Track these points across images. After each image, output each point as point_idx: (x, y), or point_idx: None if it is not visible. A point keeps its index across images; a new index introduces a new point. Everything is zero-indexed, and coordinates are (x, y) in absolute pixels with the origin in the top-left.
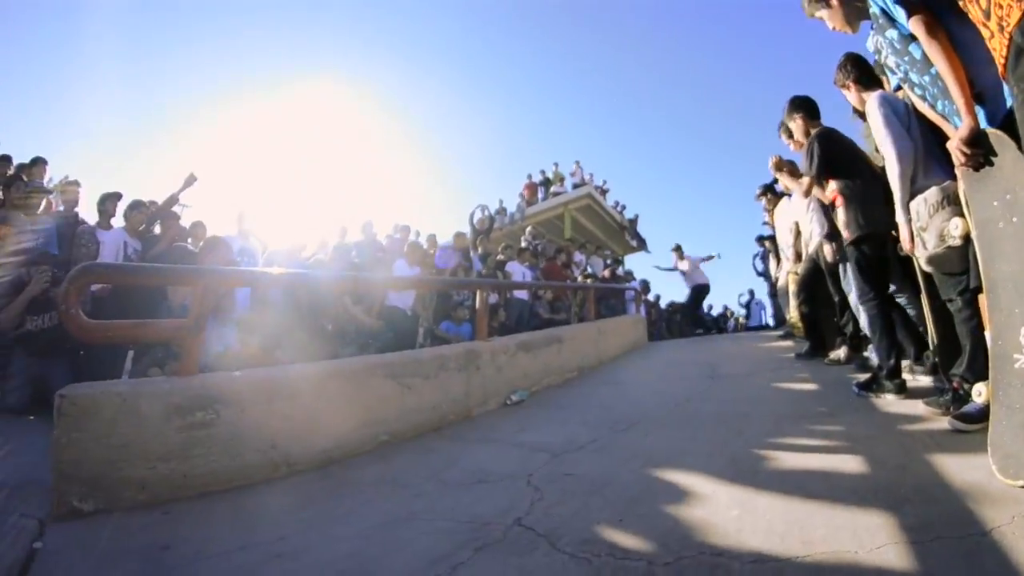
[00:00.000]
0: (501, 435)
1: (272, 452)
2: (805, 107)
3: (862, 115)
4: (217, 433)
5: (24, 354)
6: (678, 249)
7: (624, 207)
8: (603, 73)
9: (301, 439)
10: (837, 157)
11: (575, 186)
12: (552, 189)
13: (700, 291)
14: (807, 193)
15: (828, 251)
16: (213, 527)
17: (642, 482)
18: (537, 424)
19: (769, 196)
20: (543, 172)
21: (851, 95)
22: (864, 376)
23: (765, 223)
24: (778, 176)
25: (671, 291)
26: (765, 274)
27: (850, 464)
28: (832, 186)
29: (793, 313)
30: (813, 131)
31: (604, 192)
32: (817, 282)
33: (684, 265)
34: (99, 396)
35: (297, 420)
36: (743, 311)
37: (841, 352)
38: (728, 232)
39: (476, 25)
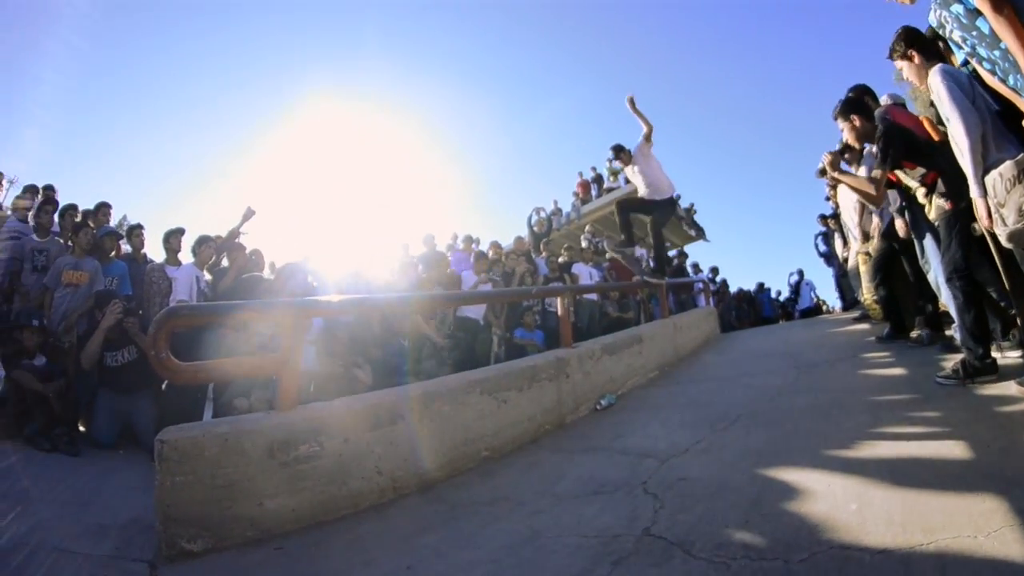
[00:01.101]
0: (601, 442)
1: (378, 478)
2: (860, 107)
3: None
4: (322, 465)
5: (107, 390)
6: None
7: (679, 196)
8: (639, 58)
9: (405, 462)
10: (913, 145)
11: (627, 180)
12: (605, 185)
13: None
14: (878, 191)
15: (900, 226)
16: (332, 560)
17: (757, 482)
18: (634, 428)
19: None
20: (594, 168)
21: (910, 67)
22: (948, 363)
23: (828, 199)
24: (839, 179)
25: (737, 278)
26: (829, 255)
27: (954, 450)
28: (918, 171)
29: (867, 295)
30: (879, 125)
31: None
32: (892, 262)
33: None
34: (200, 438)
35: (400, 444)
36: (791, 292)
37: (923, 332)
38: (783, 210)
39: (508, 27)
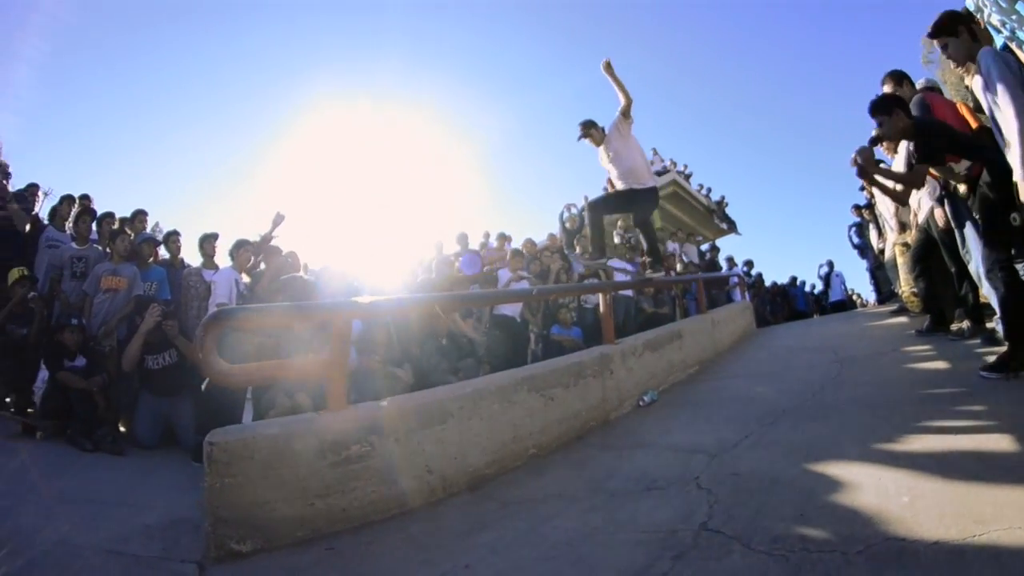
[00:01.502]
0: (649, 438)
1: (428, 476)
2: (900, 103)
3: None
4: (373, 464)
5: (149, 393)
6: None
7: (710, 190)
8: (665, 53)
9: (455, 460)
10: (954, 140)
11: (658, 174)
12: None
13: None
14: (918, 187)
15: (939, 216)
16: (387, 559)
17: (808, 476)
18: (681, 424)
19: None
20: None
21: (956, 44)
22: (991, 356)
23: (862, 189)
24: (876, 181)
25: (766, 270)
26: (863, 247)
27: (1000, 442)
28: (963, 164)
29: (905, 287)
30: (917, 116)
31: (687, 177)
32: (930, 253)
33: None
34: (251, 440)
35: (449, 442)
36: (821, 284)
37: (964, 325)
38: (812, 200)
39: (536, 23)
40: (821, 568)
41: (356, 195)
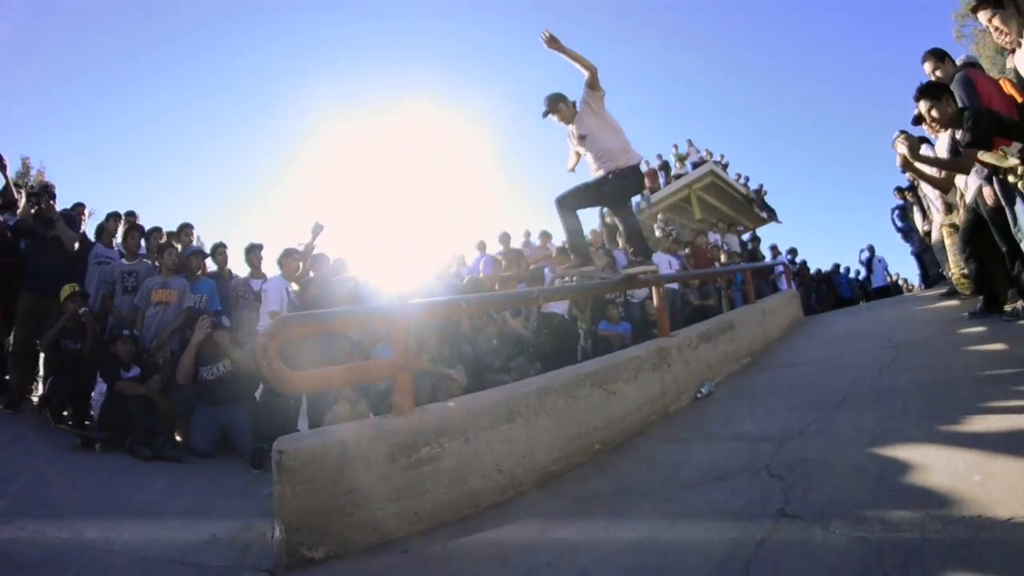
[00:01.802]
0: (712, 430)
1: (498, 475)
2: (947, 90)
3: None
4: (444, 466)
5: (205, 403)
6: None
7: (747, 178)
8: (688, 39)
9: (523, 458)
10: (1002, 124)
11: (695, 165)
12: (673, 172)
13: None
14: (969, 170)
15: (988, 195)
16: (464, 561)
17: (877, 460)
18: (741, 415)
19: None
20: (659, 156)
21: (1002, 15)
22: None
23: (904, 171)
24: (919, 170)
25: (811, 258)
26: (908, 230)
27: None
28: (1015, 146)
29: (955, 269)
30: (962, 96)
31: (725, 167)
32: (980, 234)
33: None
34: (321, 446)
35: (517, 440)
36: (863, 270)
37: (1018, 305)
38: (850, 183)
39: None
40: (902, 548)
41: (393, 197)
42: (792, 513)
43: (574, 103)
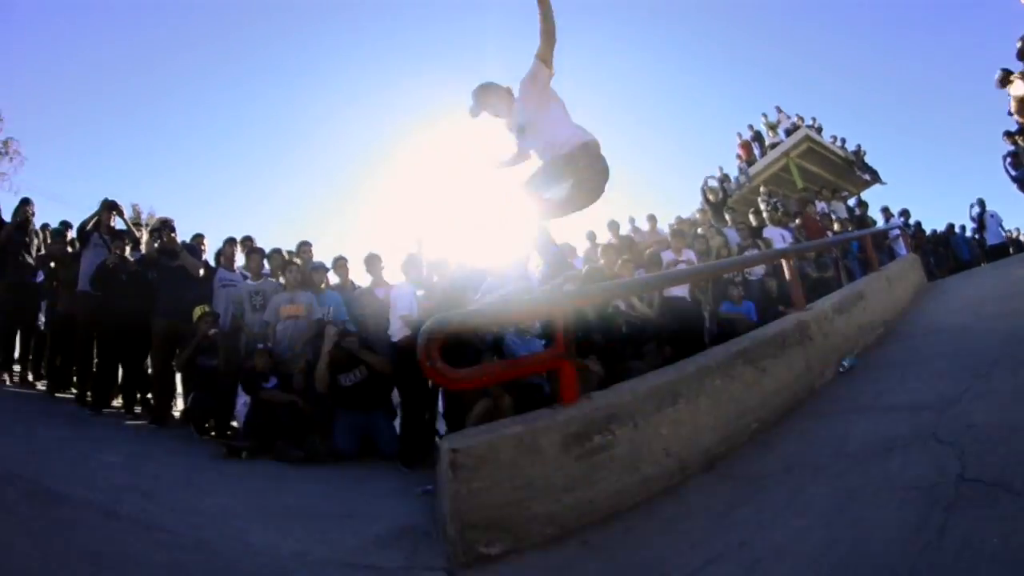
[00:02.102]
0: (864, 402)
1: (666, 460)
2: None
3: None
4: (617, 453)
5: (345, 410)
6: None
7: (844, 140)
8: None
9: (689, 441)
10: None
11: (787, 132)
12: (768, 142)
13: None
14: None
15: None
16: (652, 547)
17: None
18: (891, 385)
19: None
20: (751, 127)
21: None
22: None
23: (1010, 114)
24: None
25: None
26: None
27: None
28: None
29: None
30: None
31: (819, 130)
32: None
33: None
34: (495, 441)
35: (683, 422)
36: (974, 225)
37: None
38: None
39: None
40: None
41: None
42: (973, 478)
43: (508, 89)
